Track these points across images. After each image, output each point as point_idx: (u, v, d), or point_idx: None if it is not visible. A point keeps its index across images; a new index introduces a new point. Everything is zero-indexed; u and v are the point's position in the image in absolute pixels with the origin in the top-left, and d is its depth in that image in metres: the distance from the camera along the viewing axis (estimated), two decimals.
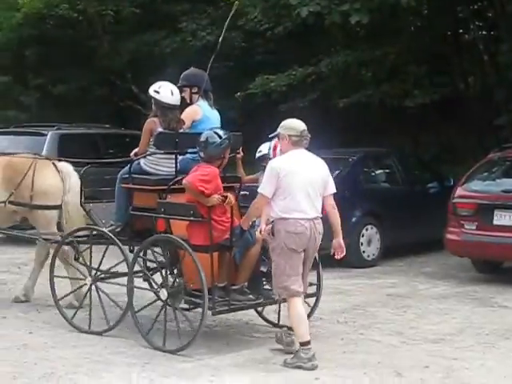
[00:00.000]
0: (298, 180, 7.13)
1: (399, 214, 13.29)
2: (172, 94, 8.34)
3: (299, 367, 7.15)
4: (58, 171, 9.66)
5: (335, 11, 14.02)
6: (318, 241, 7.37)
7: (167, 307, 7.78)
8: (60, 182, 9.59)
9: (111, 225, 8.57)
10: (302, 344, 7.22)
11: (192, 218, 7.53)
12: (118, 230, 8.51)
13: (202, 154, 7.68)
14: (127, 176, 8.36)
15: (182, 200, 7.80)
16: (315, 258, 7.73)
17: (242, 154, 8.47)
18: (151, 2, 19.97)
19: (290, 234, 7.11)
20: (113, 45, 20.12)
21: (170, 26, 17.69)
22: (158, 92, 8.33)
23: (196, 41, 18.41)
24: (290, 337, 7.62)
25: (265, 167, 7.83)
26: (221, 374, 7.02)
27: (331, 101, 16.79)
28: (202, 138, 7.66)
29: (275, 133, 7.53)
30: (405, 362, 7.42)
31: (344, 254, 7.54)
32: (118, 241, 8.24)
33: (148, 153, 8.33)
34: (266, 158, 8.34)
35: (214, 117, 8.64)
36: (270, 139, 8.23)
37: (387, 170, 14.55)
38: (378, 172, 14.62)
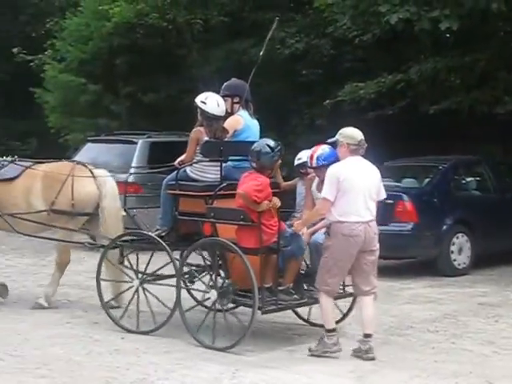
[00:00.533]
0: (355, 185, 7.61)
1: (490, 222, 13.12)
2: (218, 105, 8.68)
3: (325, 353, 7.74)
4: (95, 178, 10.01)
5: (425, 18, 13.86)
6: (375, 241, 7.81)
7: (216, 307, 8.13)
8: (96, 189, 9.94)
9: (157, 229, 8.87)
10: (328, 331, 7.78)
11: (242, 223, 7.92)
12: (163, 234, 8.82)
13: (254, 164, 8.10)
14: (174, 183, 8.67)
15: (228, 205, 8.22)
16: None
17: (280, 161, 8.55)
18: (239, 11, 20.08)
19: (345, 236, 7.58)
20: (201, 53, 20.28)
21: (259, 34, 17.71)
22: (204, 103, 8.65)
23: (284, 48, 18.45)
24: (368, 344, 7.77)
25: (302, 174, 8.76)
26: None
27: (420, 108, 16.61)
28: (256, 149, 8.07)
29: (333, 139, 7.92)
30: (497, 371, 7.34)
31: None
32: (165, 245, 8.55)
33: (194, 160, 8.66)
34: (304, 166, 8.80)
35: (254, 126, 8.99)
36: (310, 147, 8.64)
37: (478, 178, 14.40)
38: (469, 179, 14.45)
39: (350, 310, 8.86)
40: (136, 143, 15.23)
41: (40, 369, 7.48)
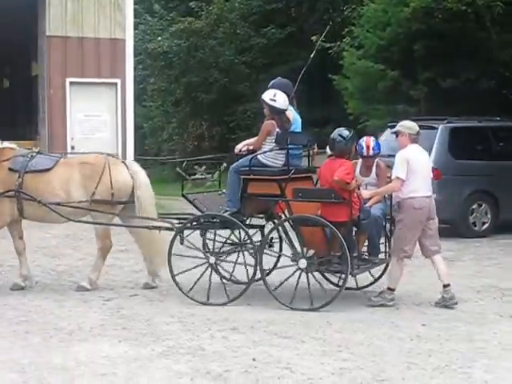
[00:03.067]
0: (420, 166, 9.40)
1: None
2: (284, 100, 9.86)
3: (383, 305, 9.45)
4: (128, 169, 10.56)
5: None
6: (435, 210, 9.59)
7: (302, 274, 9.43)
8: (131, 178, 10.48)
9: (226, 211, 9.85)
10: (390, 289, 9.52)
11: (334, 200, 9.21)
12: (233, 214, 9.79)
13: (332, 152, 9.55)
14: (247, 168, 9.75)
15: (297, 186, 9.61)
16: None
17: (316, 149, 10.35)
18: None
19: (416, 209, 9.30)
20: (501, 36, 19.71)
21: None
22: (274, 100, 9.82)
23: None
24: (449, 293, 9.49)
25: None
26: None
27: None
28: (332, 138, 9.50)
29: (395, 129, 9.70)
30: None
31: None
32: (240, 223, 9.75)
33: (269, 148, 9.79)
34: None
35: (298, 119, 10.23)
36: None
37: None
38: None
39: (380, 276, 10.30)
40: (436, 129, 15.14)
41: (341, 352, 7.73)
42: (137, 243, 10.94)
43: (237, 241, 10.55)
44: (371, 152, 10.20)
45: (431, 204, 9.48)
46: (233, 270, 10.63)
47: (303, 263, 9.43)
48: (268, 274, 10.08)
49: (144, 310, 9.51)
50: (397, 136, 9.63)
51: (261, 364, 7.37)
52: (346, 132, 9.55)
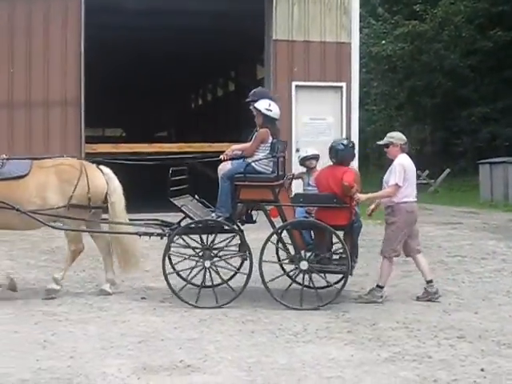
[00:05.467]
0: (411, 173, 10.15)
1: None
2: (278, 109, 10.25)
3: (373, 302, 9.97)
4: (104, 174, 10.41)
5: None
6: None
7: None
8: (106, 183, 10.36)
9: (218, 216, 9.99)
10: (380, 286, 10.10)
11: (336, 205, 9.71)
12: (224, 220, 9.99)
13: (333, 160, 10.09)
14: (242, 175, 9.94)
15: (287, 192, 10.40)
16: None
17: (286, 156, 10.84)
18: None
19: (409, 212, 10.07)
20: None
21: None
22: (270, 110, 10.16)
23: None
24: (434, 287, 10.20)
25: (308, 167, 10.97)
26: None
27: None
28: (334, 147, 10.05)
29: (386, 141, 10.24)
30: None
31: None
32: (236, 227, 10.09)
33: (261, 156, 10.07)
34: (310, 159, 10.97)
35: None
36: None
37: None
38: None
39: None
40: None
41: None
42: (99, 247, 10.70)
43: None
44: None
45: (417, 208, 10.37)
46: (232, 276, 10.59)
47: (304, 265, 9.77)
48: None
49: (369, 314, 9.42)
50: (387, 147, 10.22)
51: (490, 375, 7.10)
52: (345, 141, 10.30)
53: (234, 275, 10.47)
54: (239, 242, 10.19)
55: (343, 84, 19.67)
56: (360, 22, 21.86)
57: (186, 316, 9.27)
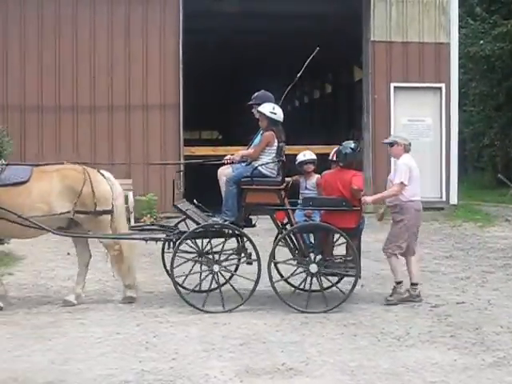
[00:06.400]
0: (417, 173, 10.22)
1: None
2: (281, 112, 10.20)
3: (402, 300, 9.95)
4: (106, 179, 10.31)
5: None
6: None
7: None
8: (110, 189, 10.26)
9: (225, 220, 9.94)
10: (398, 283, 10.09)
11: (345, 208, 9.81)
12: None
13: (341, 163, 10.19)
14: (249, 179, 9.94)
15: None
16: None
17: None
18: None
19: (416, 211, 10.18)
20: None
21: None
22: (275, 113, 10.13)
23: None
24: (417, 290, 10.15)
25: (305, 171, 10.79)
26: None
27: None
28: (342, 151, 10.17)
29: (391, 140, 10.52)
30: None
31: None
32: (244, 231, 9.98)
33: (267, 159, 10.06)
34: (307, 163, 10.76)
35: None
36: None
37: None
38: None
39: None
40: None
41: None
42: (78, 256, 10.43)
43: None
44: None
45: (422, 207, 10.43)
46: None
47: (314, 268, 9.76)
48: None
49: (472, 318, 9.28)
50: (391, 146, 10.36)
51: None
52: (353, 145, 10.31)
53: (230, 277, 10.34)
54: (242, 245, 10.21)
55: (442, 85, 19.38)
56: (458, 21, 21.55)
57: (287, 319, 9.27)
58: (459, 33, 20.62)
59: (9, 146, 14.67)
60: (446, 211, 18.59)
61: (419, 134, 18.97)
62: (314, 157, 10.93)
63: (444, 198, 19.06)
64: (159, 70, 18.64)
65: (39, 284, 11.20)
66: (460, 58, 21.14)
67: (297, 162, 10.93)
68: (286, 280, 10.33)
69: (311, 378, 7.11)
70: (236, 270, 10.43)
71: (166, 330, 8.82)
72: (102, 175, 10.38)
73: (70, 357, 7.80)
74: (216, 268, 9.92)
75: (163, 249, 10.62)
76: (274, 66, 29.18)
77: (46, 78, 18.25)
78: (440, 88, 19.38)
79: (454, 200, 19.14)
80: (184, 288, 10.12)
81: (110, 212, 10.21)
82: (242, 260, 10.36)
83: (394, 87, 19.22)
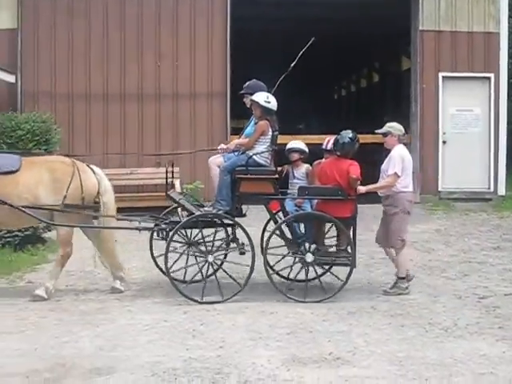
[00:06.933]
0: (409, 163, 10.17)
1: None
2: (275, 101, 10.11)
3: (400, 294, 9.88)
4: (94, 173, 10.23)
5: None
6: None
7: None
8: (97, 183, 10.22)
9: (219, 210, 9.85)
10: (401, 278, 10.04)
11: (341, 197, 9.77)
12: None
13: (338, 153, 10.12)
14: (244, 168, 9.84)
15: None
16: None
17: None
18: None
19: (409, 201, 10.17)
20: None
21: None
22: (269, 102, 10.07)
23: None
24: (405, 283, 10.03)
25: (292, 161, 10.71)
26: None
27: None
28: (340, 140, 10.12)
29: (383, 130, 10.30)
30: None
31: None
32: (238, 221, 9.91)
33: (262, 149, 9.97)
34: (295, 152, 10.75)
35: None
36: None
37: None
38: None
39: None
40: None
41: None
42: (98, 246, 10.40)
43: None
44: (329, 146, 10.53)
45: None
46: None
47: (310, 257, 9.77)
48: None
49: None
50: (385, 136, 10.24)
51: None
52: (351, 134, 10.18)
53: (218, 268, 10.20)
54: (234, 235, 10.21)
55: (491, 75, 19.10)
56: (508, 11, 21.24)
57: (333, 308, 9.27)
58: (509, 22, 20.33)
59: (57, 134, 14.79)
60: (493, 202, 18.38)
61: (467, 124, 18.79)
62: (302, 146, 10.82)
63: (492, 189, 18.83)
64: (207, 59, 18.64)
65: (86, 271, 11.28)
66: (509, 48, 20.84)
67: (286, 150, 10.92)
68: (277, 273, 10.36)
69: (358, 368, 7.10)
70: (225, 258, 10.38)
71: (213, 318, 8.87)
72: (91, 169, 10.35)
73: (118, 343, 7.88)
74: (210, 258, 9.90)
75: (151, 238, 10.57)
76: (323, 56, 28.99)
77: (94, 66, 18.34)
78: (489, 78, 19.11)
79: (502, 191, 18.90)
80: (176, 280, 9.97)
81: (96, 208, 10.24)
82: (232, 249, 10.27)
83: (443, 77, 18.98)
